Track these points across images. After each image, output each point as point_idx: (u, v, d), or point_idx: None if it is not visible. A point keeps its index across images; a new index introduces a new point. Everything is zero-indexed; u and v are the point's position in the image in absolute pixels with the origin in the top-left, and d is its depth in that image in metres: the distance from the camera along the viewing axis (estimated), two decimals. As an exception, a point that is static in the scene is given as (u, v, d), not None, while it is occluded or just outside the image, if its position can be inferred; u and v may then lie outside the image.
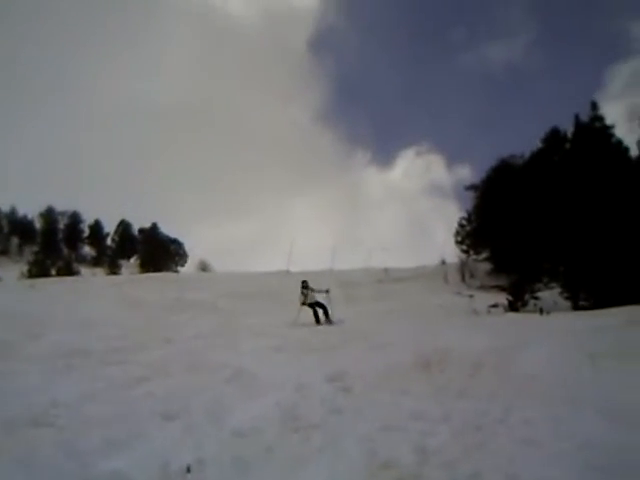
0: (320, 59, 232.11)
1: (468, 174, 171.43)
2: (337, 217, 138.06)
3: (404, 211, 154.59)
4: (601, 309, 23.19)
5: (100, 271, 73.48)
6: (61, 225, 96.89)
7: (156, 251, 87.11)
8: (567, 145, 37.04)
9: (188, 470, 5.62)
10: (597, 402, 7.64)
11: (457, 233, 52.27)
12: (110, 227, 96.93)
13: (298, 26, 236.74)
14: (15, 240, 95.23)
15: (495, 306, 28.64)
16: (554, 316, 23.33)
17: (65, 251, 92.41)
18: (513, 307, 28.61)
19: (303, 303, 21.21)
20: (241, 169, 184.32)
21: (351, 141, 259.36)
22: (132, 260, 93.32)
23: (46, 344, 13.53)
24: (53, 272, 58.49)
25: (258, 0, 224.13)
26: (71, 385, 9.00)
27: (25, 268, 59.51)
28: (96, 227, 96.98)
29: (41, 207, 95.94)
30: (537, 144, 40.72)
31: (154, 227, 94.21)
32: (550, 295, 31.35)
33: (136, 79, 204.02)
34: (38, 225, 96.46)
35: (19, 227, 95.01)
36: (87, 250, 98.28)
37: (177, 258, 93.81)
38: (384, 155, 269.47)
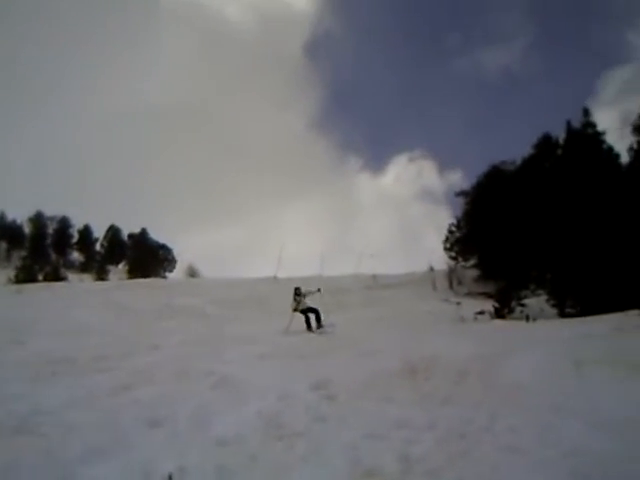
0: (315, 65, 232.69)
1: (460, 180, 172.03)
2: (328, 223, 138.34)
3: (396, 217, 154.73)
4: (588, 316, 23.25)
5: (88, 277, 73.09)
6: (50, 230, 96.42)
7: (145, 257, 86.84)
8: (558, 151, 37.19)
9: (170, 479, 5.59)
10: (583, 410, 7.65)
11: (446, 239, 52.35)
12: (99, 232, 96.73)
13: (294, 31, 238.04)
14: (3, 245, 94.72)
15: (482, 313, 28.68)
16: (540, 323, 23.41)
17: (53, 256, 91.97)
18: (499, 314, 28.64)
19: (295, 310, 20.94)
20: (233, 175, 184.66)
21: (344, 147, 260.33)
22: (120, 266, 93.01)
23: (31, 351, 13.50)
24: (41, 278, 58.16)
25: (255, 5, 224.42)
26: (55, 392, 8.95)
27: (12, 273, 59.12)
28: (85, 232, 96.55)
29: (30, 212, 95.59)
30: (529, 150, 40.95)
31: (143, 232, 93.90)
32: (537, 302, 31.42)
33: (127, 85, 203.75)
34: (27, 230, 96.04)
35: (7, 232, 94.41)
36: (76, 256, 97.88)
37: (166, 264, 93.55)
38: (376, 161, 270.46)
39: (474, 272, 47.26)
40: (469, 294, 40.69)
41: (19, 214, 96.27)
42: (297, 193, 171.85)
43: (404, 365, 11.22)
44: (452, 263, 50.25)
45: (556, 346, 13.62)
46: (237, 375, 10.50)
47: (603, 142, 34.54)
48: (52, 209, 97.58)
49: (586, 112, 35.61)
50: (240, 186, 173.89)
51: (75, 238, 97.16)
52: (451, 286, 44.99)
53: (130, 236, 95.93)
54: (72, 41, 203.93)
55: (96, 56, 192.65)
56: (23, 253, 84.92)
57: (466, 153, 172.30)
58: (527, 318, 26.36)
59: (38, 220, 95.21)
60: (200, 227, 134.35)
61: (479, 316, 28.05)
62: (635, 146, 33.03)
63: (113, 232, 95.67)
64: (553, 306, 30.91)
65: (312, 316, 20.73)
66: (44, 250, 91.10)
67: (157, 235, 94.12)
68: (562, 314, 29.58)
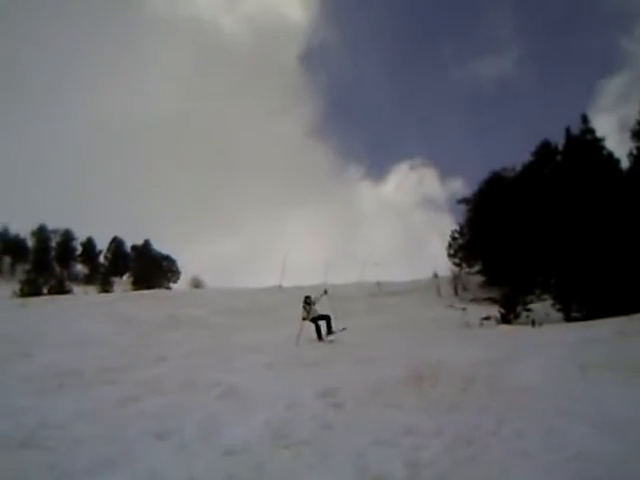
0: (312, 74, 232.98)
1: (461, 187, 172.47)
2: (331, 231, 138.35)
3: (398, 225, 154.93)
4: (593, 320, 23.20)
5: (92, 289, 73.08)
6: (53, 243, 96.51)
7: (149, 268, 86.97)
8: (558, 158, 37.21)
9: (178, 489, 5.60)
10: (589, 414, 7.64)
11: (449, 246, 52.38)
12: (103, 245, 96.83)
13: (290, 42, 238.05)
14: (7, 259, 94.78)
15: (487, 319, 28.66)
16: (546, 328, 23.36)
17: (57, 269, 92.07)
18: (505, 319, 28.62)
19: (305, 318, 20.67)
20: (234, 185, 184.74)
21: (344, 156, 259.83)
22: (125, 277, 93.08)
23: (37, 364, 13.51)
24: (45, 291, 58.27)
25: (250, 17, 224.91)
26: (62, 405, 8.97)
27: (17, 287, 59.22)
28: (88, 245, 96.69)
29: (33, 225, 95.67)
30: (528, 157, 41.00)
31: (146, 244, 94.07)
32: (542, 307, 31.39)
33: (127, 95, 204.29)
34: (30, 244, 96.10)
35: (11, 246, 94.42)
36: (79, 268, 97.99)
37: (170, 275, 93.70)
38: (377, 169, 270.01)
39: (479, 278, 47.25)
40: (474, 300, 40.67)
41: (22, 228, 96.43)
42: (299, 202, 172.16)
43: (410, 372, 11.20)
44: (456, 269, 50.29)
45: (562, 350, 13.60)
46: (244, 385, 10.49)
47: (603, 148, 34.52)
48: (55, 222, 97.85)
49: (585, 119, 35.64)
50: (242, 196, 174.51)
51: (78, 251, 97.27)
52: (456, 292, 45.02)
53: (133, 248, 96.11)
54: (59, 58, 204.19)
55: (93, 67, 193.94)
56: (27, 267, 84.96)
57: (467, 160, 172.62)
58: (533, 323, 26.34)
59: (41, 233, 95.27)
60: (203, 238, 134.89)
61: (485, 322, 28.03)
62: (634, 151, 33.00)
63: (116, 244, 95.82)
64: (559, 310, 30.89)
65: (322, 324, 20.53)
66: (48, 263, 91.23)
67: (161, 246, 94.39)
68: (568, 318, 29.54)
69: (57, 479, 5.92)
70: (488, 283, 44.46)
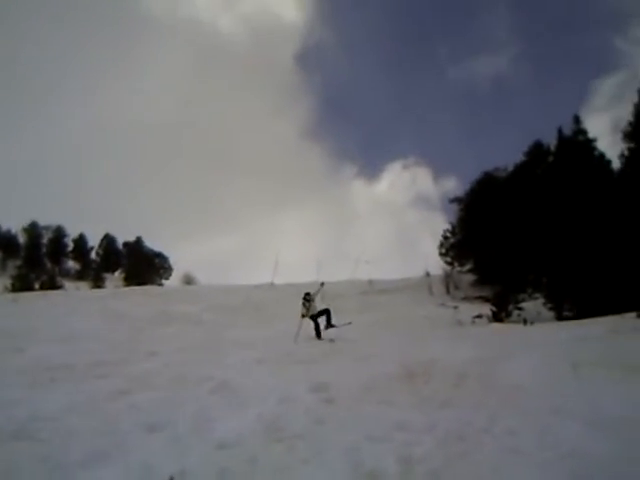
0: (307, 74, 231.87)
1: (455, 186, 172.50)
2: (324, 230, 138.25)
3: (391, 223, 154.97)
4: (584, 319, 23.28)
5: (84, 285, 72.90)
6: (45, 239, 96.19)
7: (140, 265, 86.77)
8: (550, 158, 37.28)
9: (171, 481, 5.59)
10: (582, 412, 7.66)
11: (441, 245, 52.41)
12: (94, 241, 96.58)
13: (286, 42, 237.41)
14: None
15: (479, 317, 28.72)
16: (538, 326, 23.43)
17: (49, 265, 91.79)
18: (497, 318, 28.65)
19: (304, 316, 20.38)
20: (228, 183, 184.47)
21: (338, 155, 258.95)
22: (116, 274, 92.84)
23: (29, 358, 13.51)
24: (37, 286, 58.04)
25: (246, 17, 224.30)
26: (54, 398, 8.95)
27: (8, 282, 59.00)
28: (80, 241, 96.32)
29: (25, 221, 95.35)
30: (521, 157, 41.09)
31: (138, 241, 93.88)
32: (534, 306, 31.43)
33: (122, 93, 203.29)
34: (22, 239, 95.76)
35: (2, 241, 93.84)
36: (71, 264, 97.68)
37: (162, 271, 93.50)
38: (371, 168, 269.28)
39: (470, 277, 47.31)
40: (466, 298, 40.72)
41: (13, 224, 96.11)
42: (292, 200, 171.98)
43: (402, 369, 11.21)
44: (448, 268, 50.33)
45: (553, 349, 13.63)
46: (236, 380, 10.50)
47: (594, 149, 34.59)
48: (47, 219, 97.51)
49: (577, 119, 35.71)
50: (235, 194, 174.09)
51: (70, 247, 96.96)
52: (448, 291, 45.03)
53: (125, 244, 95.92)
54: (60, 58, 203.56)
55: (91, 68, 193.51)
56: (18, 262, 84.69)
57: (460, 160, 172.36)
58: (524, 321, 26.41)
59: (33, 230, 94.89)
60: (196, 235, 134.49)
61: (476, 320, 28.09)
62: (626, 153, 33.09)
63: (108, 241, 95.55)
64: (550, 309, 30.96)
65: (322, 320, 20.26)
66: (39, 259, 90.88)
67: (152, 243, 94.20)
68: (559, 317, 29.62)
69: (50, 471, 5.91)
70: (480, 282, 44.51)
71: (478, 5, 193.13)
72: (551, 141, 37.33)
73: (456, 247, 51.05)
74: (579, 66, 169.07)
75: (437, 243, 53.04)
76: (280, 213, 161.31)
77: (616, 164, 33.96)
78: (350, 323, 21.03)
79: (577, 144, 34.72)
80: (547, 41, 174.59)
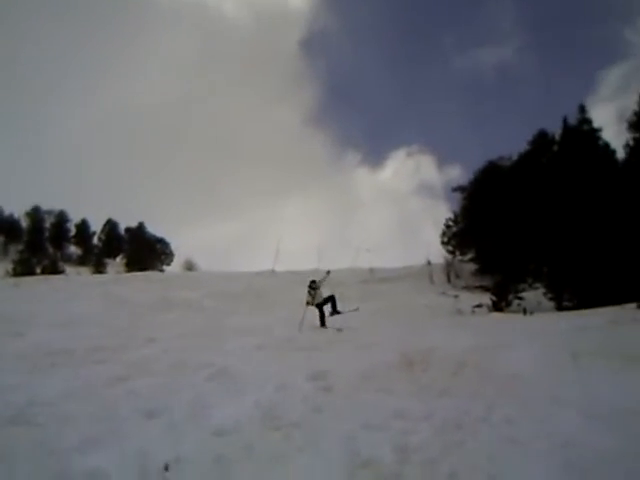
0: (312, 60, 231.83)
1: (459, 174, 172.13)
2: (327, 217, 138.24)
3: (394, 211, 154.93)
4: (585, 309, 23.30)
5: (86, 270, 72.98)
6: (47, 224, 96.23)
7: (142, 250, 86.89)
8: (554, 147, 37.21)
9: (166, 468, 5.59)
10: (579, 401, 7.66)
11: (443, 234, 52.41)
12: (97, 226, 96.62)
13: (290, 28, 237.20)
14: (1, 239, 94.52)
15: (479, 306, 28.79)
16: (538, 316, 23.47)
17: (51, 250, 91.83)
18: (497, 307, 28.70)
19: (309, 303, 19.90)
20: (231, 169, 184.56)
21: (342, 142, 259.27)
22: (118, 259, 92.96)
23: (29, 342, 13.53)
24: (38, 271, 58.09)
25: (251, 2, 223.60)
26: (52, 383, 8.96)
27: (10, 267, 59.06)
28: (82, 226, 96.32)
29: (27, 206, 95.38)
30: (525, 146, 40.98)
31: (140, 226, 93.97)
32: (534, 295, 31.48)
33: (125, 79, 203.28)
34: (24, 224, 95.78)
35: (5, 226, 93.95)
36: (73, 249, 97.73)
37: (163, 257, 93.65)
38: (375, 156, 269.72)
39: (471, 266, 47.33)
40: (466, 287, 40.77)
41: (16, 208, 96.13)
42: (295, 187, 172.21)
43: (402, 357, 11.20)
44: (449, 257, 50.34)
45: (553, 338, 13.65)
46: (235, 366, 10.49)
47: (599, 138, 34.59)
48: (49, 203, 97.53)
49: (582, 109, 35.68)
50: (238, 180, 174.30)
51: (72, 232, 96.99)
52: (449, 279, 45.08)
53: (127, 230, 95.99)
54: (68, 38, 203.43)
55: (93, 52, 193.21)
56: (20, 247, 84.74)
57: (464, 148, 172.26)
58: (524, 311, 26.47)
59: (35, 214, 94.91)
60: (198, 221, 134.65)
61: (477, 309, 28.15)
62: (631, 143, 33.03)
63: (110, 226, 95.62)
64: (550, 299, 30.99)
65: (327, 308, 19.86)
66: (41, 244, 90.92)
67: (155, 229, 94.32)
68: (559, 307, 29.65)
69: (46, 456, 5.91)
70: (481, 271, 44.55)
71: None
72: (556, 130, 37.36)
73: (458, 236, 51.06)
74: (585, 56, 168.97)
75: (439, 232, 53.09)
76: (283, 200, 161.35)
77: (621, 154, 33.94)
78: (357, 309, 20.94)
79: (582, 133, 34.67)
80: (553, 31, 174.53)
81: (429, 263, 48.74)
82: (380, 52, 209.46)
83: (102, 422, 6.91)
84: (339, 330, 18.01)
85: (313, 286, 20.25)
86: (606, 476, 5.54)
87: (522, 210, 34.74)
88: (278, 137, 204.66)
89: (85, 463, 5.73)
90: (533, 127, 48.39)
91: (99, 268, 75.60)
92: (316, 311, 19.81)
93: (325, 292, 20.38)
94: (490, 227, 40.27)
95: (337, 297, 20.20)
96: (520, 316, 24.21)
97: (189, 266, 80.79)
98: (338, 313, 19.94)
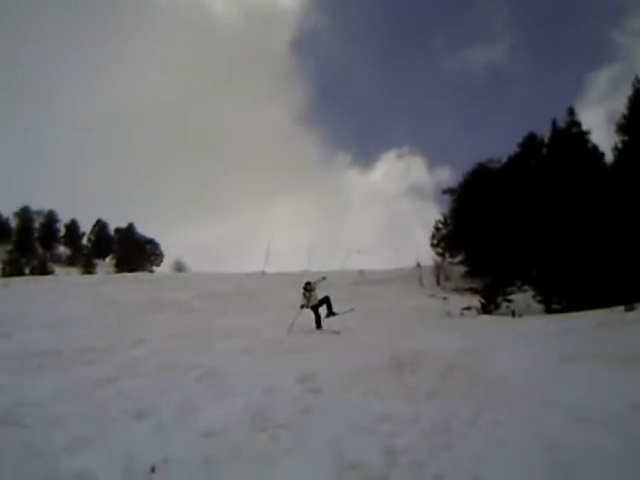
0: (302, 60, 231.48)
1: (449, 176, 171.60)
2: (317, 218, 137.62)
3: (384, 213, 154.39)
4: (573, 312, 23.35)
5: (75, 271, 72.77)
6: (36, 224, 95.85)
7: (132, 251, 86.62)
8: (544, 150, 37.30)
9: (152, 470, 5.60)
10: (566, 404, 7.68)
11: (433, 236, 52.42)
12: (86, 227, 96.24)
13: (280, 27, 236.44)
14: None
15: (468, 309, 28.79)
16: (526, 319, 23.49)
17: (40, 250, 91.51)
18: (486, 310, 28.71)
19: (304, 306, 19.36)
20: (221, 170, 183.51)
21: (332, 143, 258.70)
22: (108, 260, 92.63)
23: (17, 343, 13.49)
24: (27, 271, 57.93)
25: (241, 1, 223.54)
26: (41, 384, 8.97)
27: (-1, 267, 58.93)
28: (72, 226, 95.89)
29: (16, 206, 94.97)
30: (515, 148, 41.07)
31: (130, 227, 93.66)
32: (523, 298, 31.51)
33: (114, 78, 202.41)
34: (13, 224, 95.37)
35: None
36: (62, 249, 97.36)
37: (153, 258, 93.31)
38: (365, 157, 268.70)
39: (461, 268, 47.34)
40: (456, 290, 40.78)
41: (5, 208, 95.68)
42: (286, 188, 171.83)
43: (391, 359, 11.24)
44: (439, 259, 50.39)
45: (542, 341, 13.68)
46: (224, 368, 10.52)
47: (588, 141, 34.62)
48: (39, 203, 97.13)
49: (571, 111, 35.73)
50: (229, 181, 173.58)
51: (62, 232, 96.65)
52: (438, 282, 45.07)
53: (117, 230, 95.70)
54: (61, 38, 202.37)
55: (83, 52, 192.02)
56: (9, 247, 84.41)
57: (455, 149, 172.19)
58: (513, 314, 26.47)
59: (24, 214, 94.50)
60: (188, 222, 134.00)
61: (466, 311, 28.15)
62: (619, 146, 33.16)
63: (100, 226, 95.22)
64: (539, 302, 31.01)
65: (322, 310, 19.48)
66: (31, 244, 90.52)
67: (144, 229, 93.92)
68: (548, 310, 29.68)
69: (33, 457, 5.93)
70: (470, 273, 44.55)
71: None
72: (545, 133, 37.38)
73: (448, 238, 51.06)
74: (575, 58, 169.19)
75: (429, 234, 53.14)
76: (272, 201, 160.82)
77: (610, 157, 34.04)
78: (352, 309, 20.81)
79: (571, 136, 34.73)
80: (544, 32, 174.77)
81: (419, 265, 48.72)
82: (370, 52, 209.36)
83: (90, 423, 6.92)
84: (337, 332, 17.79)
85: (308, 288, 19.81)
86: (590, 477, 5.57)
87: (511, 213, 34.79)
88: (268, 137, 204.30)
89: (73, 464, 5.75)
90: (524, 129, 48.36)
91: (88, 269, 75.38)
92: (310, 313, 19.38)
93: (319, 294, 20.03)
94: (479, 230, 40.30)
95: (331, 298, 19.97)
96: (509, 319, 24.23)
97: (179, 267, 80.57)
98: (334, 314, 19.70)
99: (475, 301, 30.07)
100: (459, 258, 48.56)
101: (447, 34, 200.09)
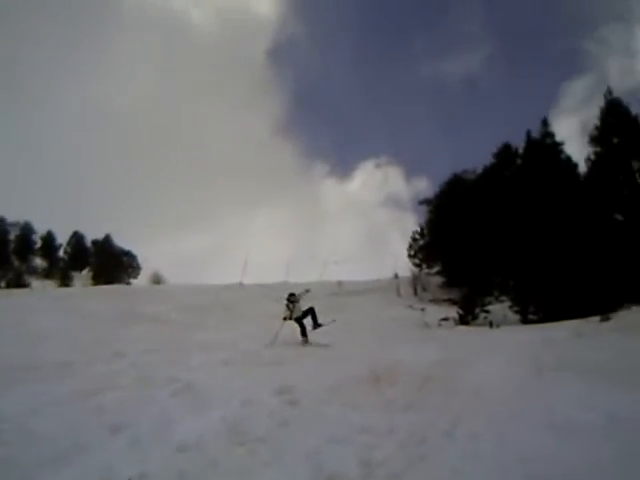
0: (279, 70, 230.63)
1: (426, 186, 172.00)
2: (295, 229, 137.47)
3: (362, 223, 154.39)
4: (550, 322, 23.53)
5: (51, 283, 72.22)
6: (12, 236, 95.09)
7: (109, 263, 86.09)
8: (518, 161, 37.60)
9: (129, 484, 5.61)
10: (542, 415, 7.75)
11: (410, 247, 52.54)
12: (63, 238, 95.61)
13: (258, 36, 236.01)
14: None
15: (446, 319, 28.90)
16: (503, 329, 23.61)
17: (16, 263, 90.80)
18: (463, 320, 28.85)
19: (287, 318, 18.87)
20: (198, 180, 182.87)
21: (310, 153, 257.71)
22: (84, 272, 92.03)
23: (-7, 357, 13.37)
24: (3, 284, 57.53)
25: (218, 10, 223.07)
26: (17, 399, 8.91)
27: (-26, 280, 58.49)
28: (48, 238, 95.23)
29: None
30: (490, 159, 41.33)
31: (107, 239, 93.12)
32: (500, 309, 31.68)
33: (91, 86, 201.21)
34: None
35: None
36: (39, 262, 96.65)
37: (130, 270, 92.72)
38: (343, 167, 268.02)
39: (438, 279, 47.49)
40: (433, 300, 40.91)
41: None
42: (263, 199, 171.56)
43: (368, 371, 11.25)
44: (416, 270, 50.50)
45: (518, 352, 13.76)
46: (201, 381, 10.49)
47: (561, 152, 34.97)
48: (14, 215, 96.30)
49: (545, 122, 36.09)
50: (205, 192, 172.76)
51: (38, 244, 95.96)
52: (415, 293, 45.19)
53: (94, 242, 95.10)
54: (39, 42, 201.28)
55: (57, 58, 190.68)
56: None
57: (432, 160, 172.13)
58: (490, 324, 26.62)
59: (0, 226, 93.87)
60: (167, 233, 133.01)
61: (443, 322, 28.27)
62: (592, 157, 33.49)
63: (77, 238, 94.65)
64: (516, 312, 31.18)
65: (307, 321, 19.07)
66: (6, 256, 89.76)
67: (122, 241, 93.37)
68: (525, 320, 29.85)
69: (11, 472, 5.90)
70: (447, 284, 44.73)
71: (450, 5, 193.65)
72: (520, 143, 37.69)
73: (425, 249, 51.21)
74: (550, 68, 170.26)
75: (407, 244, 53.27)
76: (250, 212, 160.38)
77: (583, 168, 34.35)
78: (334, 321, 20.51)
79: (545, 147, 35.05)
80: (519, 42, 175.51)
81: (396, 276, 48.81)
82: (348, 61, 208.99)
83: (67, 438, 6.88)
84: (325, 345, 17.57)
85: (292, 299, 19.43)
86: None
87: (487, 223, 35.01)
88: (246, 147, 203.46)
89: (50, 479, 5.73)
90: (500, 138, 48.61)
91: (65, 281, 74.80)
92: (292, 325, 18.95)
93: (303, 305, 19.68)
94: (456, 240, 40.48)
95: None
96: (486, 329, 24.37)
97: (156, 279, 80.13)
98: (320, 326, 19.27)
99: (453, 312, 30.24)
100: (436, 269, 48.72)
101: (423, 44, 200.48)
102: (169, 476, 5.91)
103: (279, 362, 13.74)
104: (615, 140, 32.21)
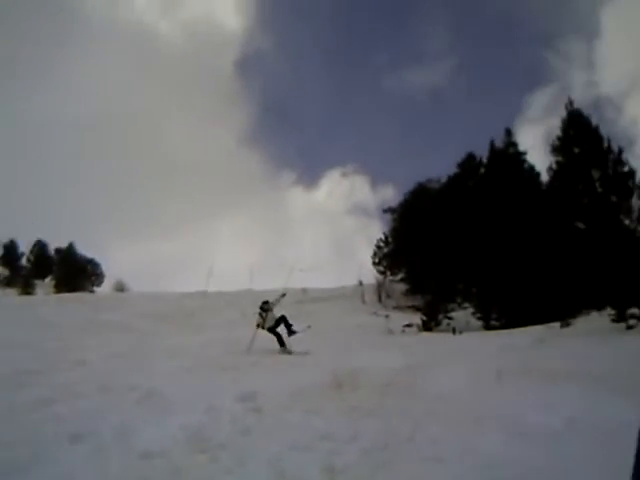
0: (247, 81, 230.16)
1: (392, 195, 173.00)
2: (261, 237, 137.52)
3: (328, 231, 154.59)
4: (512, 328, 23.76)
5: (13, 292, 71.45)
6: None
7: (72, 271, 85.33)
8: (482, 170, 37.97)
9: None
10: (502, 420, 7.82)
11: (374, 254, 52.75)
12: (26, 247, 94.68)
13: (225, 48, 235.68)
14: None
15: (409, 326, 29.08)
16: (466, 335, 23.85)
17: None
18: (427, 327, 29.06)
19: (260, 327, 18.52)
20: (163, 189, 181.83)
21: (277, 161, 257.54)
22: (47, 280, 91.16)
23: (-50, 367, 13.16)
24: (-37, 293, 56.76)
25: (186, 22, 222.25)
26: (-26, 409, 8.78)
27: None
28: (11, 247, 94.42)
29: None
30: (454, 169, 41.70)
31: (71, 247, 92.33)
32: (463, 315, 31.99)
33: (55, 95, 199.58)
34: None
35: None
36: (0, 270, 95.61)
37: (94, 278, 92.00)
38: (310, 175, 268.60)
39: (402, 286, 47.74)
40: (397, 307, 41.19)
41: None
42: (229, 207, 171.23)
43: (331, 377, 11.29)
44: (381, 277, 50.69)
45: (480, 358, 13.89)
46: (162, 389, 10.40)
47: (524, 162, 35.46)
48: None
49: (508, 132, 36.59)
50: (171, 200, 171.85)
51: (0, 253, 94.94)
52: (380, 300, 45.40)
53: (57, 251, 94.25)
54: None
55: (22, 66, 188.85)
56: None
57: (398, 169, 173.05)
58: (454, 330, 26.86)
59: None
60: (130, 241, 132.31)
61: (407, 329, 28.43)
62: (554, 166, 33.89)
63: (40, 246, 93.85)
64: (479, 319, 31.50)
65: (281, 329, 18.67)
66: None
67: (85, 249, 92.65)
68: (487, 326, 30.15)
69: (-35, 484, 5.81)
70: (411, 291, 44.98)
71: (416, 15, 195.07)
72: (484, 153, 38.07)
73: (389, 257, 51.45)
74: (513, 80, 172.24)
75: (372, 252, 53.47)
76: (216, 219, 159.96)
77: (545, 177, 34.75)
78: (310, 327, 20.59)
79: (508, 156, 35.48)
80: (482, 54, 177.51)
81: (361, 283, 48.99)
82: (315, 72, 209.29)
83: (25, 447, 6.77)
84: (306, 353, 17.30)
85: (265, 307, 19.04)
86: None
87: (450, 231, 35.29)
88: (212, 156, 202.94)
89: (7, 490, 5.65)
90: (464, 148, 49.07)
91: (27, 289, 74.04)
92: (265, 333, 18.55)
93: (277, 313, 19.32)
94: (420, 248, 40.72)
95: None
96: (449, 335, 24.57)
97: (120, 287, 79.68)
98: (294, 333, 18.88)
99: (416, 318, 30.49)
100: (400, 276, 48.98)
101: (387, 54, 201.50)
102: (131, 484, 5.86)
103: (242, 369, 13.71)
104: (576, 150, 32.51)
